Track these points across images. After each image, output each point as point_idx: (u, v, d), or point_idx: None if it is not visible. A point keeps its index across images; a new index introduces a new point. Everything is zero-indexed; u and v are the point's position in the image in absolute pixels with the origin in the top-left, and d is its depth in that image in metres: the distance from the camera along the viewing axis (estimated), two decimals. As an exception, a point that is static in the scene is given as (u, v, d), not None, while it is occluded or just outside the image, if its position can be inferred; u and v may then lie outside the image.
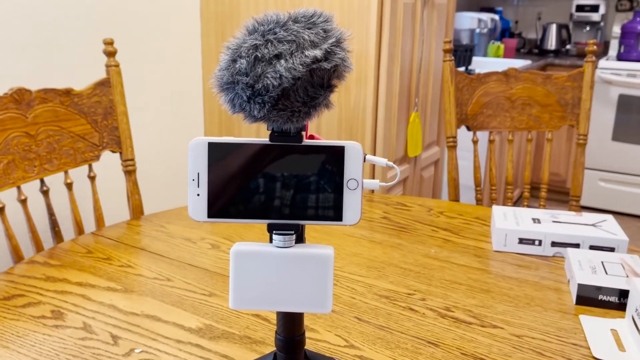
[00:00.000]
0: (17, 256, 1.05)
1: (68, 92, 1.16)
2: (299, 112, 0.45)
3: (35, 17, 1.40)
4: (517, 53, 3.90)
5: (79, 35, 1.51)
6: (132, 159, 1.27)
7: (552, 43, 3.78)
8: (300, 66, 0.43)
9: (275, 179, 0.50)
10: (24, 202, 1.09)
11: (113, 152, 1.25)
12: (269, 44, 0.43)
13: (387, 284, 0.90)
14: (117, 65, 1.24)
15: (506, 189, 1.65)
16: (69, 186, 1.18)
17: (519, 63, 3.22)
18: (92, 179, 1.22)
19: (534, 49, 3.96)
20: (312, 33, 0.44)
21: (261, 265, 0.51)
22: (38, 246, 1.10)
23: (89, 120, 1.20)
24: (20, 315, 0.80)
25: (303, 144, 0.50)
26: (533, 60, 3.41)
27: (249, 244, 0.52)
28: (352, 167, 0.50)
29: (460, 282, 0.91)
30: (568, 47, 3.85)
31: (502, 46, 3.49)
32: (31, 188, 1.39)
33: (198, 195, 0.51)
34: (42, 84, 1.44)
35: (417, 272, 0.94)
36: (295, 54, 0.43)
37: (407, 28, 1.71)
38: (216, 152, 0.50)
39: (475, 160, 1.60)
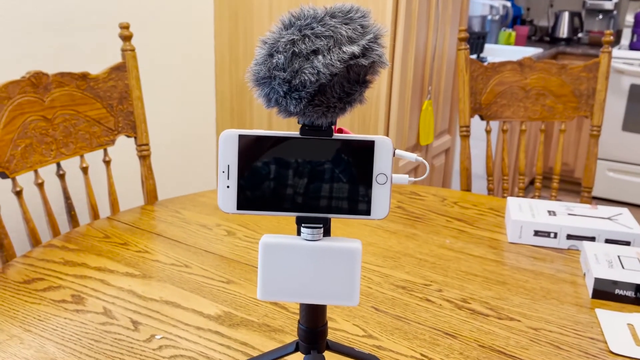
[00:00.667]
0: (35, 239, 1.06)
1: (84, 76, 1.16)
2: (335, 107, 0.45)
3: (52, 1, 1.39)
4: (528, 41, 3.87)
5: (95, 18, 1.50)
6: (147, 144, 1.27)
7: (564, 31, 3.74)
8: (338, 62, 0.43)
9: (304, 172, 0.50)
10: (40, 185, 1.10)
11: (128, 136, 1.26)
12: (307, 39, 0.43)
13: (403, 274, 0.90)
14: (132, 50, 1.24)
15: (518, 179, 1.65)
16: (85, 170, 1.18)
17: (531, 51, 3.19)
18: (107, 163, 1.23)
19: (545, 37, 3.93)
20: (349, 29, 0.43)
21: (289, 258, 0.51)
22: (55, 230, 1.11)
23: (104, 105, 1.20)
24: (42, 299, 0.81)
25: (333, 137, 0.50)
26: (544, 48, 3.38)
27: (278, 236, 0.52)
28: (382, 162, 0.50)
29: (476, 274, 0.91)
30: (580, 35, 3.81)
31: (513, 34, 3.47)
32: (47, 172, 1.39)
33: (228, 187, 0.51)
34: (58, 67, 1.44)
35: (433, 262, 0.95)
36: (333, 49, 0.43)
37: (422, 15, 1.70)
38: (246, 144, 0.50)
39: (488, 150, 1.60)
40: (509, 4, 3.57)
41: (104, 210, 1.55)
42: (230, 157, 0.50)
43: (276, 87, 0.45)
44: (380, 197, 0.51)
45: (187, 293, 0.83)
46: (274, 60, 0.44)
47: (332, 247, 0.51)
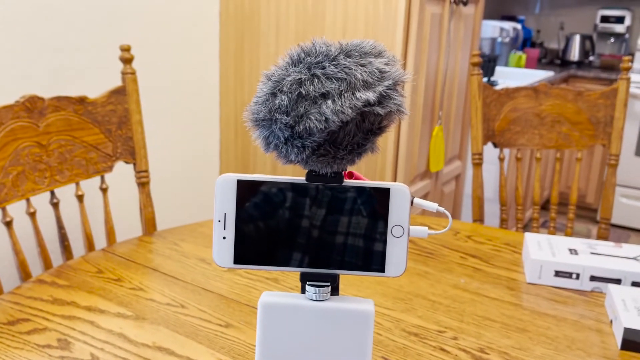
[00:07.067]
0: (24, 272, 1.00)
1: (82, 100, 1.11)
2: (342, 158, 0.39)
3: (51, 19, 1.35)
4: (539, 63, 3.82)
5: (95, 39, 1.46)
6: (146, 170, 1.22)
7: (575, 54, 3.69)
8: (350, 109, 0.37)
9: (310, 223, 0.45)
10: (32, 215, 1.04)
11: (127, 162, 1.20)
12: (316, 79, 0.37)
13: (415, 319, 0.84)
14: (133, 73, 1.19)
15: (533, 208, 1.58)
16: (80, 198, 1.13)
17: (542, 74, 3.14)
18: (104, 190, 1.17)
19: (555, 60, 3.88)
20: (365, 71, 0.37)
21: (292, 320, 0.45)
22: (46, 262, 1.05)
23: (102, 130, 1.15)
24: (25, 344, 0.75)
25: (343, 184, 0.44)
26: (555, 71, 3.33)
27: (279, 294, 0.46)
28: (398, 212, 0.44)
29: (494, 319, 0.85)
30: (591, 58, 3.76)
31: (524, 56, 3.42)
32: (40, 200, 1.34)
33: (224, 238, 0.45)
34: (56, 88, 1.39)
35: (447, 305, 0.88)
36: (345, 94, 0.37)
37: (433, 39, 1.65)
38: (246, 190, 0.45)
39: (501, 178, 1.54)
40: (519, 26, 3.53)
41: (100, 240, 1.49)
42: (227, 204, 0.45)
43: (277, 132, 0.38)
44: (396, 251, 0.45)
45: (182, 338, 0.77)
46: (277, 101, 0.38)
47: (341, 309, 0.45)
